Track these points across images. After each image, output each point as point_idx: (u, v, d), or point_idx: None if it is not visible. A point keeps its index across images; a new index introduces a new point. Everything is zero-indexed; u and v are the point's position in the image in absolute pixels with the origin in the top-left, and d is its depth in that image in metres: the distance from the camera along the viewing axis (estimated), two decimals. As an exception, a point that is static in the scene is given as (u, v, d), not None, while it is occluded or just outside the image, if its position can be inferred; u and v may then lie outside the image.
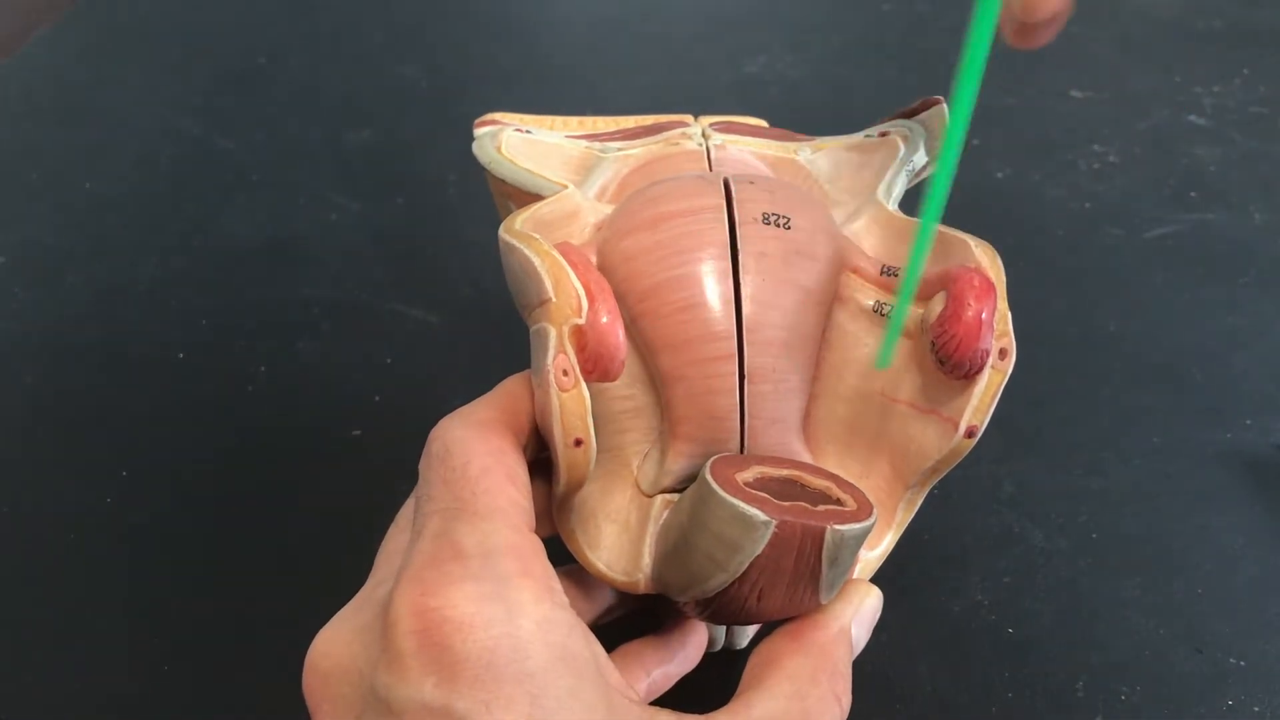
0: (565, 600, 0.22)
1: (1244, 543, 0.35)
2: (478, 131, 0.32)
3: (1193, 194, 0.49)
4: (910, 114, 0.32)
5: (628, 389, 0.27)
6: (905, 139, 0.31)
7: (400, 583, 0.21)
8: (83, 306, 0.46)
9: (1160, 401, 0.40)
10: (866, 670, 0.32)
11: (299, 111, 0.57)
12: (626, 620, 0.29)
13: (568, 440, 0.24)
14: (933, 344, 0.25)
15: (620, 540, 0.26)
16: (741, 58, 0.61)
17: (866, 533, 0.24)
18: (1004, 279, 0.26)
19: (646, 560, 0.26)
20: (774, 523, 0.22)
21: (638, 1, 0.67)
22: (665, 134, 0.31)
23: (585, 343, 0.24)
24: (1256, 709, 0.30)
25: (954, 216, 0.35)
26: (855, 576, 0.27)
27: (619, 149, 0.31)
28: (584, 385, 0.24)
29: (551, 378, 0.23)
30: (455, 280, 0.46)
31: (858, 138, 0.32)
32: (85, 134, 0.57)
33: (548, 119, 0.34)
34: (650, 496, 0.27)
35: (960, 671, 0.32)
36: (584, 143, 0.32)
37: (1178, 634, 0.32)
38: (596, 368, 0.24)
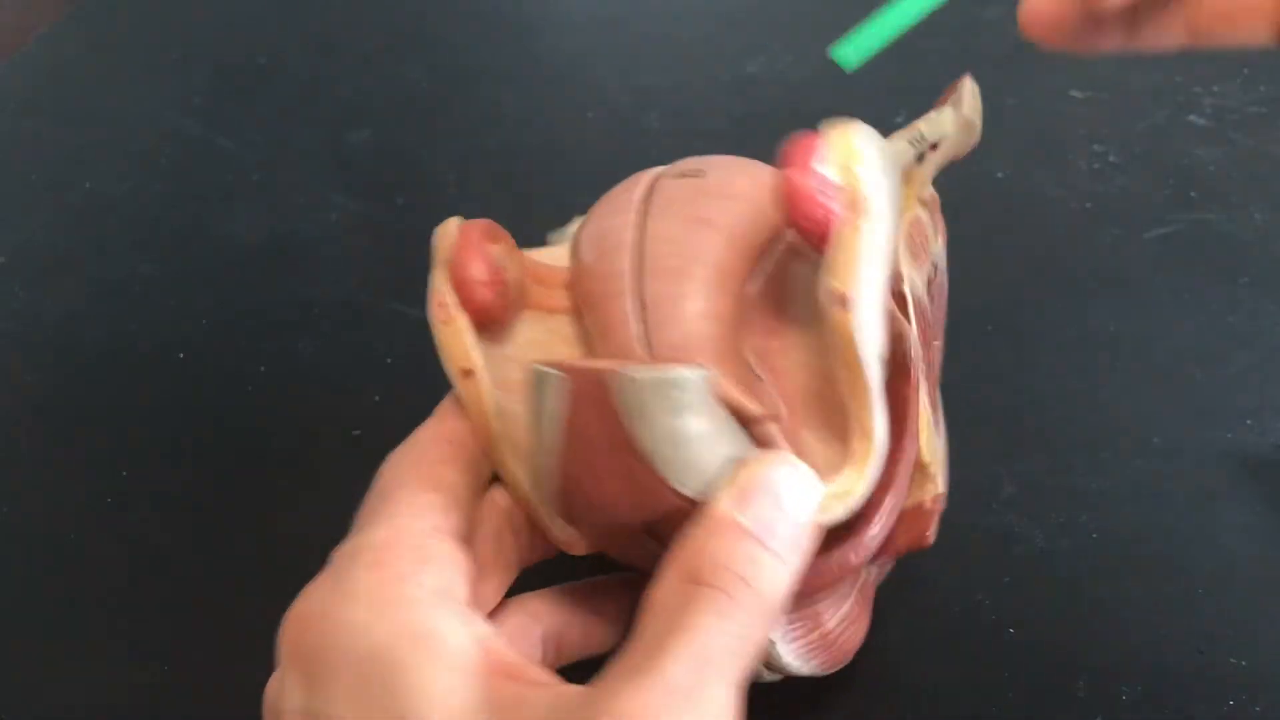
0: (428, 581, 0.22)
1: (1244, 543, 0.35)
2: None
3: (1193, 194, 0.49)
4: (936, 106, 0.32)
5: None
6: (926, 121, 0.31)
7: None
8: (83, 306, 0.46)
9: (1160, 401, 0.40)
10: (867, 670, 0.32)
11: (299, 111, 0.57)
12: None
13: (455, 371, 0.25)
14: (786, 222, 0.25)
15: None
16: (741, 58, 0.61)
17: (671, 384, 0.22)
18: (857, 143, 0.24)
19: None
20: (557, 374, 0.22)
21: (638, 1, 0.67)
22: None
23: (452, 275, 0.26)
24: (1257, 709, 0.30)
25: (953, 216, 0.35)
26: (819, 520, 0.24)
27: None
28: (463, 318, 0.25)
29: (431, 314, 0.25)
30: (455, 280, 0.46)
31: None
32: (85, 134, 0.57)
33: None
34: None
35: (960, 671, 0.32)
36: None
37: (1178, 634, 0.32)
38: (468, 298, 0.26)
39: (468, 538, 0.25)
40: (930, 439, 0.27)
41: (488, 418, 0.26)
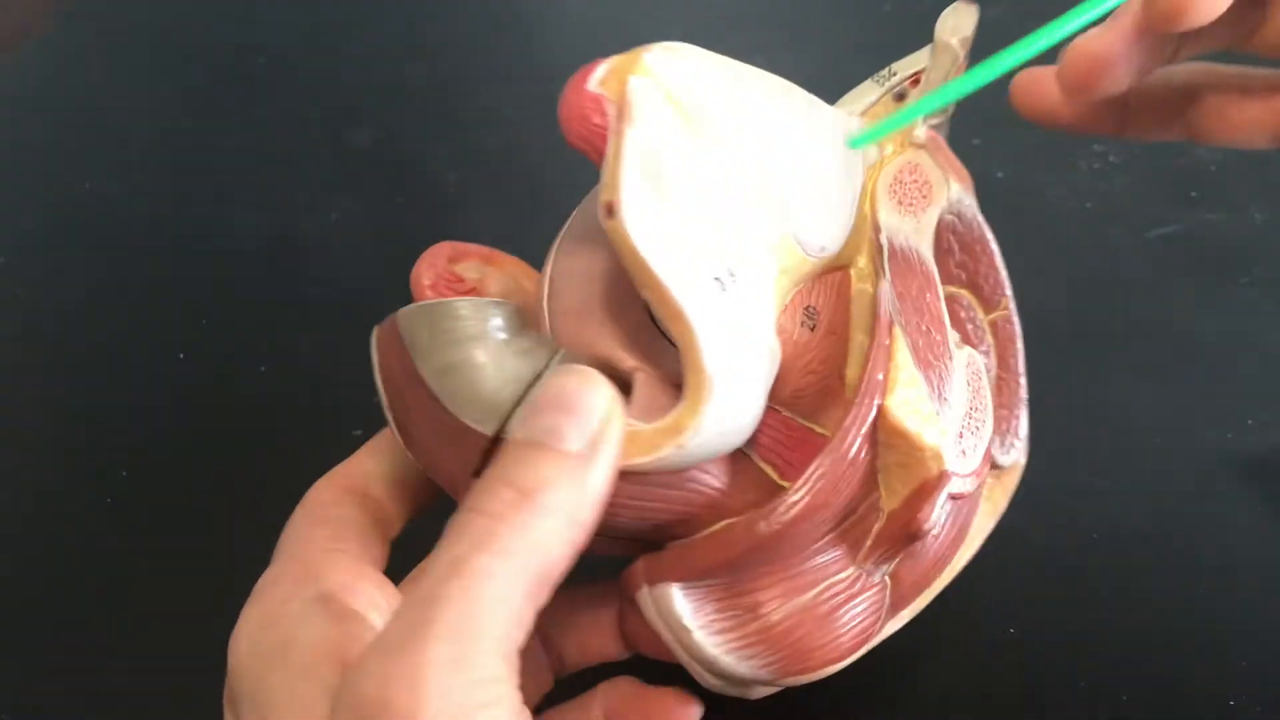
0: (320, 591, 0.22)
1: (1245, 543, 0.35)
2: None
3: (1193, 194, 0.49)
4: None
5: None
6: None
7: None
8: (82, 306, 0.46)
9: (1160, 401, 0.40)
10: (864, 670, 0.32)
11: (299, 111, 0.57)
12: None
13: None
14: None
15: None
16: (741, 58, 0.61)
17: (436, 311, 0.22)
18: (648, 59, 0.23)
19: None
20: (376, 329, 0.23)
21: (638, 1, 0.67)
22: None
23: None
24: (1259, 709, 0.30)
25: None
26: (650, 461, 0.22)
27: None
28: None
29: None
30: (455, 280, 0.46)
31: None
32: (85, 134, 0.57)
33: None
34: None
35: (961, 672, 0.32)
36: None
37: (1179, 634, 0.32)
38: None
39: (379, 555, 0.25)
40: (921, 403, 0.25)
41: None
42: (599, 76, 0.22)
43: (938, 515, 0.25)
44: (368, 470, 0.26)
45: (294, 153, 0.54)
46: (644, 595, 0.25)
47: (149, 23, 0.67)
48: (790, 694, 0.29)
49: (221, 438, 0.39)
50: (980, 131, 0.54)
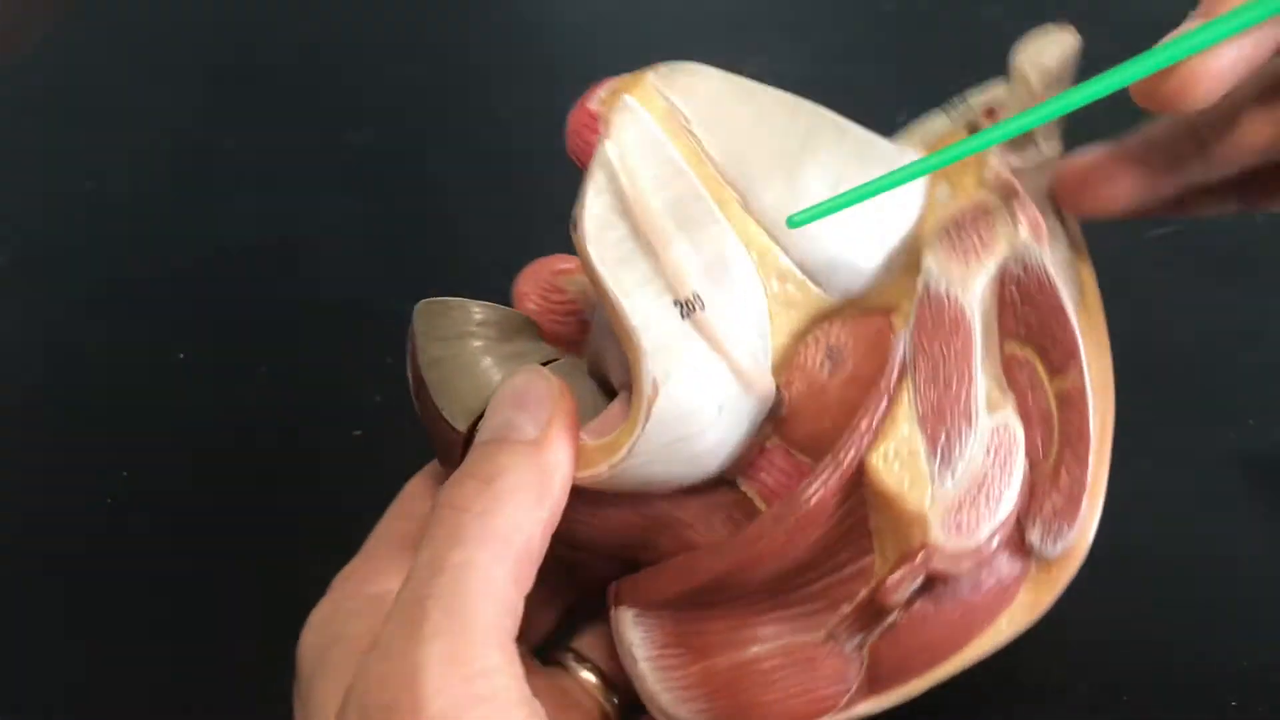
0: (380, 589, 0.22)
1: (1246, 543, 0.35)
2: None
3: (1193, 194, 0.49)
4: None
5: None
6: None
7: None
8: (83, 306, 0.46)
9: (1160, 401, 0.39)
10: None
11: (299, 111, 0.57)
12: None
13: None
14: None
15: None
16: (741, 57, 0.61)
17: (430, 309, 0.24)
18: (653, 81, 0.23)
19: None
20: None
21: (638, 1, 0.67)
22: None
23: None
24: (1259, 709, 0.30)
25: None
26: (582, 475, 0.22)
27: None
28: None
29: None
30: (455, 281, 0.46)
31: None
32: (85, 134, 0.57)
33: None
34: None
35: (960, 671, 0.32)
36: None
37: (1179, 634, 0.32)
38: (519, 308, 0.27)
39: None
40: (913, 463, 0.23)
41: None
42: (601, 94, 0.23)
43: (905, 590, 0.23)
44: None
45: (294, 153, 0.54)
46: (612, 615, 0.25)
47: (149, 23, 0.67)
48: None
49: (221, 438, 0.39)
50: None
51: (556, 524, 0.21)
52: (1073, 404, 0.26)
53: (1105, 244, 0.47)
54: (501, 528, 0.19)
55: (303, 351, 0.43)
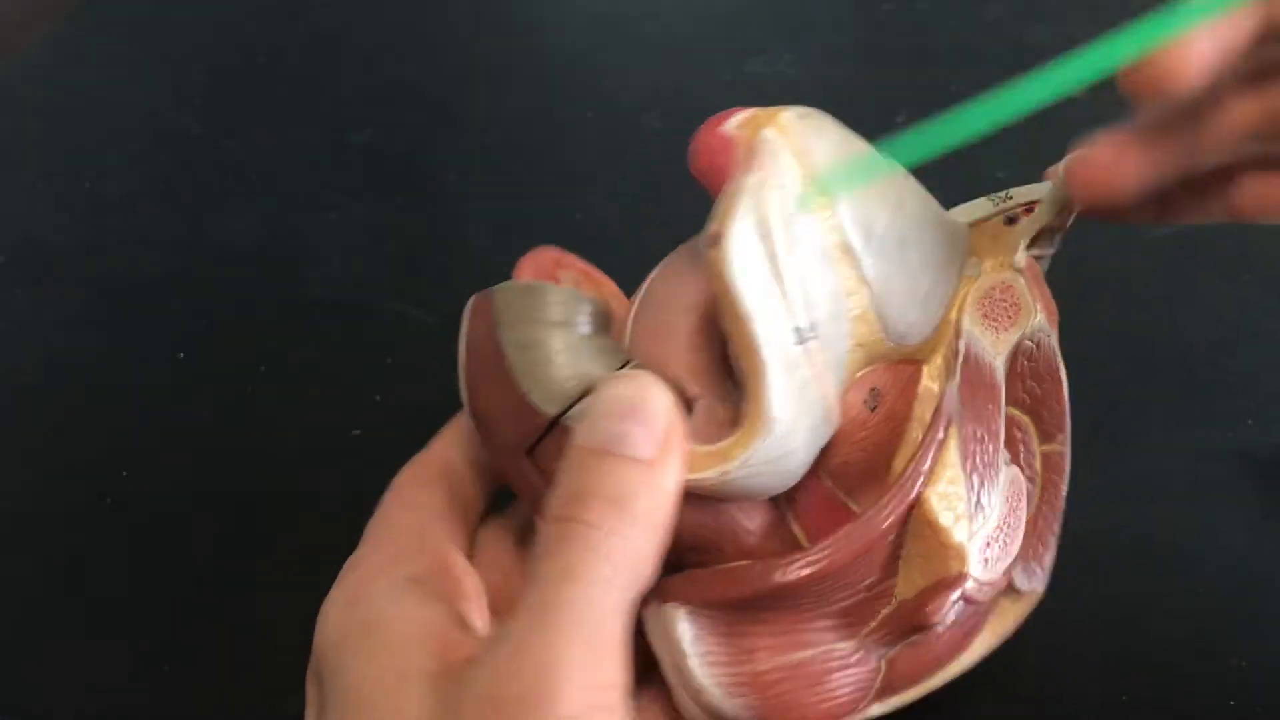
0: (396, 570, 0.23)
1: (1245, 542, 0.35)
2: None
3: (1193, 194, 0.49)
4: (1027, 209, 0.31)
5: None
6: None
7: None
8: (83, 306, 0.46)
9: (1160, 401, 0.40)
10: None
11: (299, 111, 0.57)
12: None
13: None
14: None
15: None
16: (741, 57, 0.61)
17: (526, 291, 0.23)
18: (789, 117, 0.25)
19: None
20: (473, 297, 0.24)
21: (638, 1, 0.67)
22: None
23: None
24: (1258, 709, 0.30)
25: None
26: (691, 478, 0.23)
27: None
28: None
29: None
30: (455, 280, 0.46)
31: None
32: (85, 134, 0.57)
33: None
34: None
35: (961, 671, 0.32)
36: None
37: (1179, 634, 0.32)
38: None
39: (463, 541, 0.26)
40: (957, 502, 0.26)
41: None
42: (737, 121, 0.24)
43: (947, 612, 0.26)
44: (449, 454, 0.26)
45: (294, 153, 0.54)
46: (652, 610, 0.25)
47: (150, 23, 0.67)
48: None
49: (221, 438, 0.39)
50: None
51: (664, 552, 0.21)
52: (1054, 466, 0.29)
53: (1106, 244, 0.47)
54: (630, 551, 0.20)
55: (303, 351, 0.43)
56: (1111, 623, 0.33)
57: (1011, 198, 0.30)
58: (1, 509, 0.37)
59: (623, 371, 0.23)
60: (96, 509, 0.37)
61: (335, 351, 0.43)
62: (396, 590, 0.22)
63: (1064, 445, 0.30)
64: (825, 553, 0.25)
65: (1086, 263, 0.46)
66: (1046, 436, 0.30)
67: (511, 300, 0.23)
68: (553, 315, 0.23)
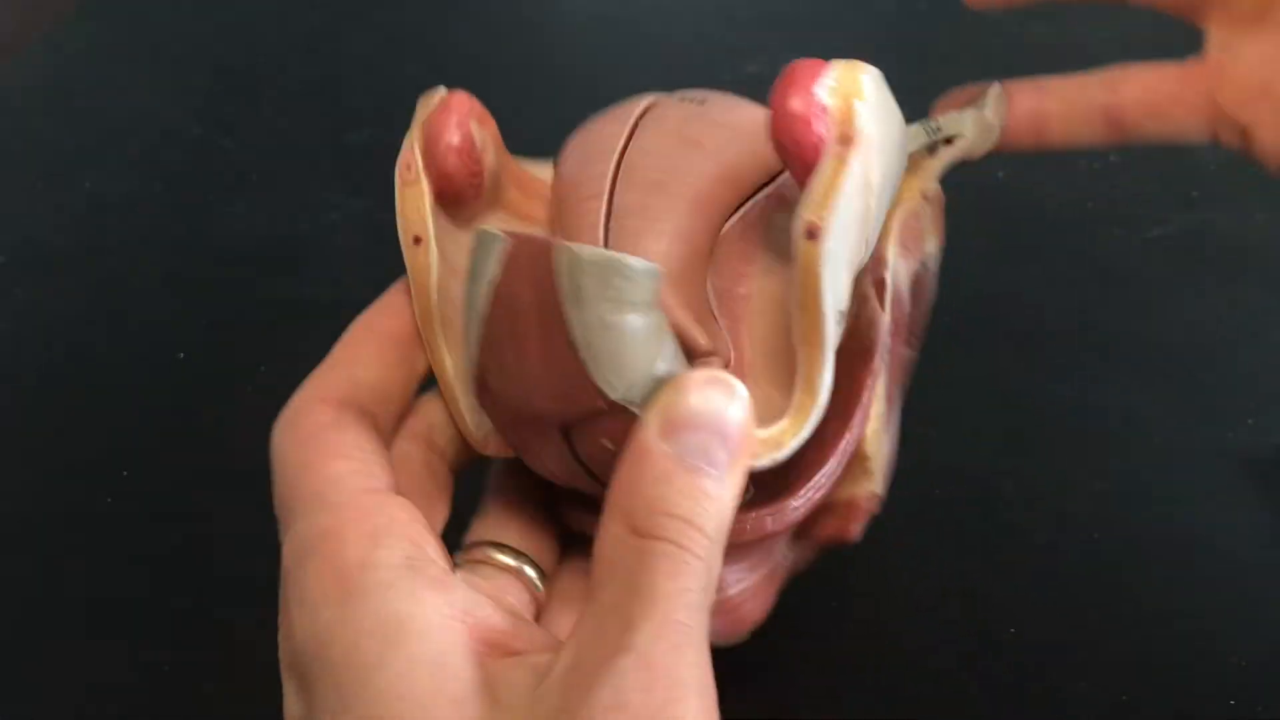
0: (392, 557, 0.20)
1: (1244, 543, 0.35)
2: None
3: (1194, 194, 0.49)
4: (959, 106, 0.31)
5: None
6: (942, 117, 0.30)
7: None
8: (83, 306, 0.46)
9: (1160, 401, 0.40)
10: (867, 668, 0.32)
11: (299, 111, 0.57)
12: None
13: (407, 238, 0.24)
14: (770, 141, 0.24)
15: None
16: (741, 57, 0.61)
17: (614, 269, 0.20)
18: (864, 80, 0.23)
19: None
20: (503, 237, 0.21)
21: (638, 1, 0.67)
22: None
23: (425, 134, 0.25)
24: (1259, 709, 0.30)
25: (954, 216, 0.35)
26: (753, 466, 0.22)
27: None
28: (425, 182, 0.24)
29: (396, 172, 0.24)
30: (455, 280, 0.46)
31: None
32: (85, 134, 0.57)
33: None
34: None
35: (961, 671, 0.32)
36: None
37: (1179, 634, 0.32)
38: (434, 163, 0.25)
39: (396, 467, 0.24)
40: (878, 434, 0.26)
41: (429, 291, 0.24)
42: (828, 85, 0.22)
43: (862, 528, 0.26)
44: (356, 380, 0.24)
45: (294, 153, 0.54)
46: None
47: (150, 23, 0.67)
48: (793, 696, 0.29)
49: (221, 438, 0.39)
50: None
51: None
52: (908, 373, 0.29)
53: (1105, 244, 0.47)
54: (713, 572, 0.20)
55: (303, 351, 0.43)
56: (1112, 622, 0.33)
57: (940, 129, 0.29)
58: (1, 509, 0.37)
59: (708, 373, 0.21)
60: (96, 509, 0.37)
61: (335, 351, 0.43)
62: (403, 582, 0.20)
63: (917, 353, 0.30)
64: (808, 496, 0.24)
65: (1086, 264, 0.46)
66: (909, 346, 0.30)
67: (585, 273, 0.20)
68: (636, 295, 0.21)
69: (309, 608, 0.20)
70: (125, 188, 0.53)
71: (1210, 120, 0.27)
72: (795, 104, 0.22)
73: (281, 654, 0.22)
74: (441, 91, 0.26)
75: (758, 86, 0.65)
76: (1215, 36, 0.27)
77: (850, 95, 0.23)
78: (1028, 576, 0.34)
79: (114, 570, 0.35)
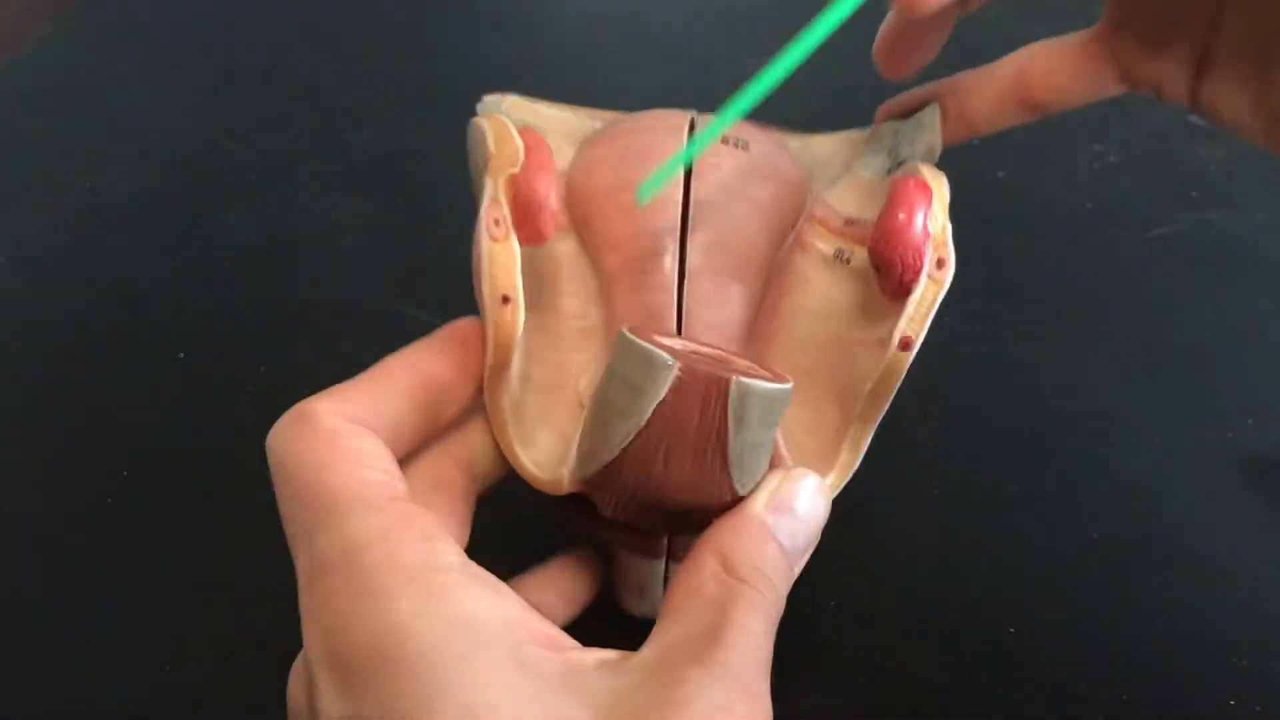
0: (452, 559, 0.21)
1: (1244, 542, 0.35)
2: (487, 98, 0.33)
3: (1193, 194, 0.49)
4: (905, 115, 0.32)
5: (581, 308, 0.27)
6: (894, 133, 0.31)
7: (300, 613, 0.22)
8: (83, 306, 0.46)
9: (1160, 401, 0.40)
10: (867, 668, 0.32)
11: (299, 111, 0.57)
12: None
13: (495, 296, 0.24)
14: (870, 250, 0.25)
15: (556, 448, 0.26)
16: (741, 57, 0.61)
17: (777, 398, 0.23)
18: (947, 196, 0.25)
19: (573, 454, 0.25)
20: (677, 365, 0.22)
21: (638, 1, 0.67)
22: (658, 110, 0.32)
23: (517, 193, 0.24)
24: (1258, 709, 0.30)
25: (954, 216, 0.35)
26: None
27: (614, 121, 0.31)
28: (514, 239, 0.24)
29: (483, 227, 0.24)
30: (455, 280, 0.46)
31: (846, 133, 0.32)
32: (85, 134, 0.57)
33: (558, 105, 0.34)
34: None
35: (961, 671, 0.32)
36: (588, 120, 0.32)
37: (1178, 634, 0.32)
38: (526, 221, 0.24)
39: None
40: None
41: (510, 349, 0.25)
42: (938, 220, 0.25)
43: None
44: (379, 409, 0.24)
45: (294, 153, 0.54)
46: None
47: (150, 23, 0.67)
48: (786, 690, 0.29)
49: (221, 438, 0.39)
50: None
51: None
52: None
53: (1105, 244, 0.47)
54: (776, 624, 0.22)
55: (303, 352, 0.43)
56: (1112, 622, 0.33)
57: (899, 158, 0.30)
58: (1, 509, 0.37)
59: (816, 480, 0.24)
60: (97, 509, 0.37)
61: (335, 351, 0.43)
62: (466, 584, 0.21)
63: None
64: None
65: (1086, 264, 0.46)
66: None
67: (758, 404, 0.22)
68: (781, 413, 0.23)
69: (379, 601, 0.20)
70: (125, 188, 0.53)
71: (1118, 81, 0.28)
72: (913, 235, 0.24)
73: (317, 652, 0.21)
74: (506, 126, 0.26)
75: (758, 86, 0.64)
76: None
77: (943, 220, 0.25)
78: (1028, 576, 0.34)
79: (114, 570, 0.35)
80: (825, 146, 0.32)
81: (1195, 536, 0.35)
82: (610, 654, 0.21)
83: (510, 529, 0.27)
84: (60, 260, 0.48)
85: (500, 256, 0.24)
